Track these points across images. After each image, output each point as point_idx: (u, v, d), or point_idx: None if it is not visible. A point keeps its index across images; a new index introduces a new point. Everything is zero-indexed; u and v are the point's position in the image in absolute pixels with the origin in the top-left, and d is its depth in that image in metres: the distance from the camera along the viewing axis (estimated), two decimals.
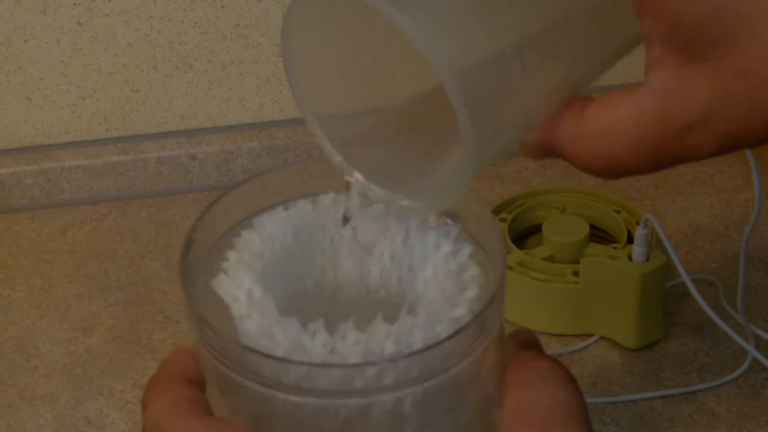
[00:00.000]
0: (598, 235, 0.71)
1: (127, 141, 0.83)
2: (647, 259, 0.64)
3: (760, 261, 0.72)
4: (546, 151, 0.34)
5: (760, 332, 0.65)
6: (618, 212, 0.70)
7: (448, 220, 0.34)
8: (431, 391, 0.30)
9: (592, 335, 0.66)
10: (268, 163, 0.84)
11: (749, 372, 0.63)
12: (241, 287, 0.32)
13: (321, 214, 0.36)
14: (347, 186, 0.34)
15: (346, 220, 0.34)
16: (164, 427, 0.31)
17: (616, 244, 0.67)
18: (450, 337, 0.29)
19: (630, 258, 0.64)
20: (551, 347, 0.66)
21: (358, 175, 0.32)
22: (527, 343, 0.33)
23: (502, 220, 0.71)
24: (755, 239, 0.74)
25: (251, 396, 0.30)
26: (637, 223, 0.66)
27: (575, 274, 0.66)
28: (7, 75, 0.80)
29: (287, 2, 0.86)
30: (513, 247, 0.68)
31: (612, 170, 0.32)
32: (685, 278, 0.64)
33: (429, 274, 0.33)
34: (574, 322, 0.66)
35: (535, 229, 0.72)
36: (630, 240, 0.66)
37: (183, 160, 0.83)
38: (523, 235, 0.72)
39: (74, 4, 0.77)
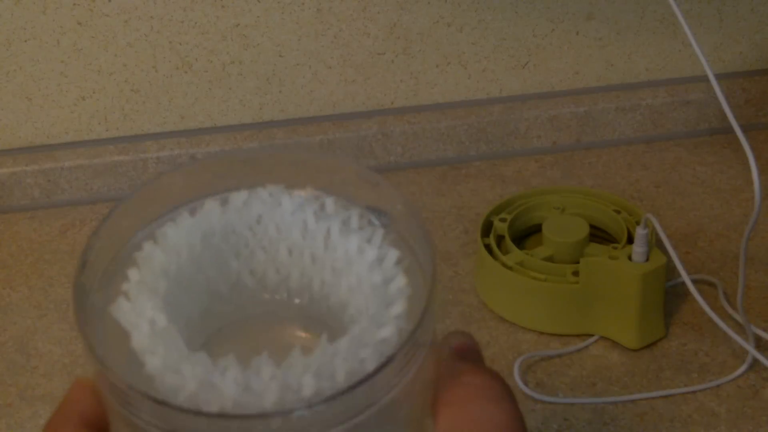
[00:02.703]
0: (598, 235, 0.71)
1: (127, 141, 0.83)
2: (647, 259, 0.64)
3: (760, 261, 0.72)
4: None
5: (760, 332, 0.65)
6: (618, 212, 0.70)
7: (374, 219, 0.31)
8: (359, 427, 0.27)
9: (592, 335, 0.66)
10: None
11: (749, 372, 0.63)
12: (142, 315, 0.28)
13: (232, 215, 0.32)
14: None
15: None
16: None
17: (616, 244, 0.67)
18: (376, 371, 0.26)
19: (630, 258, 0.64)
20: (551, 347, 0.66)
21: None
22: (463, 350, 0.31)
23: (502, 220, 0.70)
24: (755, 239, 0.74)
25: None
26: (637, 223, 0.66)
27: (575, 274, 0.66)
28: (7, 75, 0.80)
29: (287, 2, 0.87)
30: (513, 247, 0.68)
31: None
32: (685, 278, 0.64)
33: (353, 281, 0.30)
34: (574, 322, 0.66)
35: (535, 229, 0.72)
36: (630, 240, 0.66)
37: (183, 160, 0.83)
38: (523, 235, 0.72)
39: (74, 4, 0.77)
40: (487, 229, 0.71)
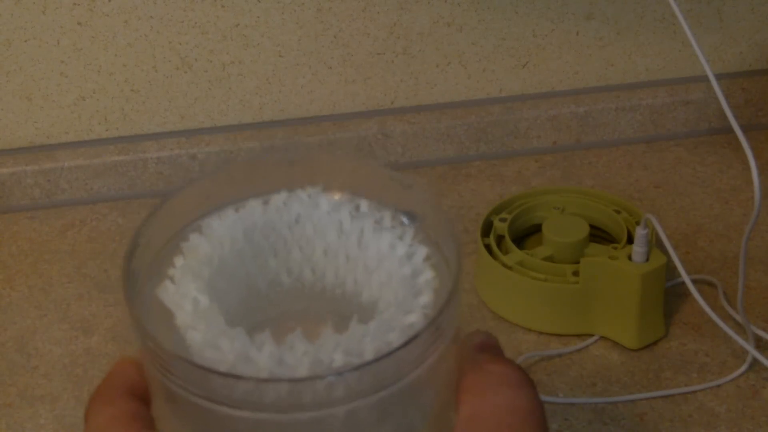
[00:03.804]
0: (598, 235, 0.71)
1: (127, 141, 0.83)
2: (647, 259, 0.64)
3: (760, 261, 0.72)
4: None
5: (760, 332, 0.65)
6: (618, 212, 0.70)
7: (405, 219, 0.33)
8: (385, 401, 0.29)
9: (592, 335, 0.66)
10: None
11: (749, 372, 0.63)
12: (186, 296, 0.31)
13: (273, 214, 0.34)
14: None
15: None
16: None
17: (616, 244, 0.67)
18: (402, 345, 0.28)
19: (630, 258, 0.64)
20: (551, 347, 0.66)
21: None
22: (485, 345, 0.32)
23: (502, 220, 0.70)
24: (755, 239, 0.74)
25: (198, 411, 0.29)
26: (637, 223, 0.66)
27: (575, 274, 0.66)
28: (7, 75, 0.80)
29: (287, 2, 0.87)
30: (513, 247, 0.68)
31: None
32: (685, 278, 0.64)
33: (383, 277, 0.32)
34: (574, 322, 0.66)
35: (535, 229, 0.72)
36: (630, 240, 0.66)
37: (183, 160, 0.83)
38: (523, 235, 0.72)
39: (74, 4, 0.77)
40: (487, 229, 0.71)
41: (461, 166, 0.85)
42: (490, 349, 0.32)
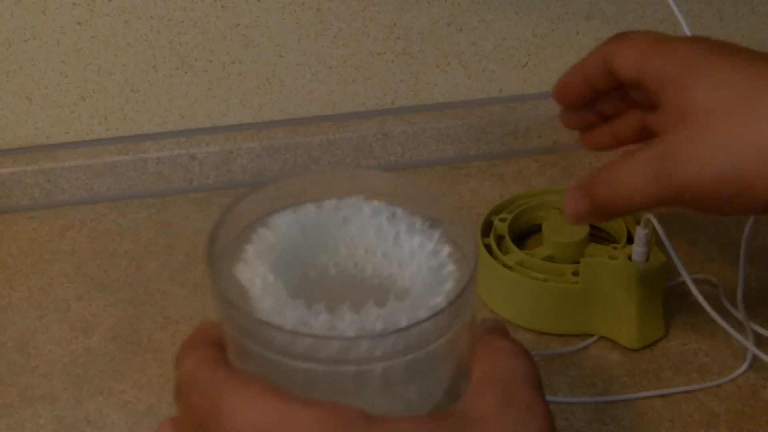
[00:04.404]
0: (598, 235, 0.71)
1: (127, 141, 0.83)
2: (647, 259, 0.64)
3: (760, 261, 0.72)
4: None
5: (760, 331, 0.65)
6: None
7: (432, 224, 0.41)
8: (412, 364, 0.36)
9: (592, 335, 0.66)
10: (268, 163, 0.84)
11: (749, 371, 0.63)
12: (257, 274, 0.38)
13: (325, 216, 0.42)
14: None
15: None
16: (193, 378, 0.37)
17: (615, 244, 0.67)
18: (427, 318, 0.36)
19: (630, 258, 0.64)
20: (551, 347, 0.66)
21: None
22: (494, 328, 0.40)
23: (502, 220, 0.71)
24: (755, 239, 0.74)
25: (266, 363, 0.36)
26: (637, 222, 0.66)
27: (575, 274, 0.66)
28: (7, 75, 0.80)
29: (287, 2, 0.87)
30: (513, 247, 0.68)
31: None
32: (686, 278, 0.64)
33: (414, 269, 0.40)
34: (574, 322, 0.66)
35: (535, 229, 0.72)
36: (630, 240, 0.66)
37: (183, 160, 0.83)
38: (523, 235, 0.72)
39: (74, 4, 0.77)
40: (486, 229, 0.71)
41: (461, 166, 0.85)
42: (498, 330, 0.40)
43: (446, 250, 0.40)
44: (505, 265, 0.67)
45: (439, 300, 0.37)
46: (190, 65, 0.81)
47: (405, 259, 0.41)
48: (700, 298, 0.64)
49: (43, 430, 0.62)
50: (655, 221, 0.63)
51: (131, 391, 0.64)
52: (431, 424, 0.35)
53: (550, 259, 0.67)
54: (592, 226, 0.69)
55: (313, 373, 0.36)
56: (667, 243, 0.64)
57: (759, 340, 0.65)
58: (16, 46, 0.79)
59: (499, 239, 0.70)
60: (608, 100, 0.59)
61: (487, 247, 0.69)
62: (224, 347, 0.38)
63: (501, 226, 0.70)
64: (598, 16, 0.84)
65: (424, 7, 0.81)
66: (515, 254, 0.68)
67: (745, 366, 0.63)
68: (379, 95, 0.85)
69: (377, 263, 0.42)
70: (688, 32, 0.63)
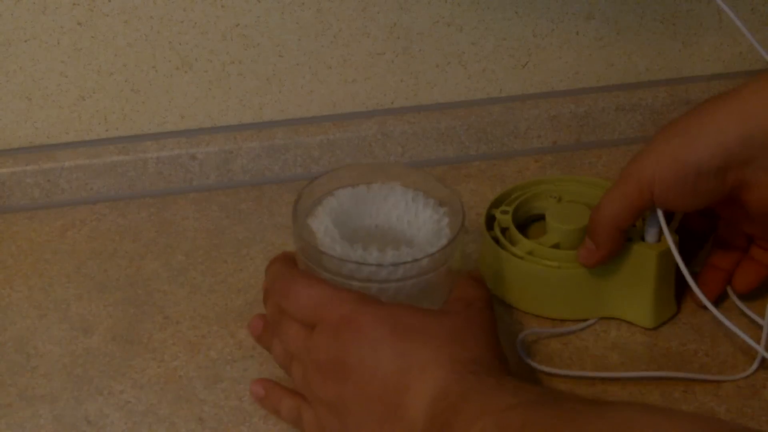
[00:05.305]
0: None
1: (127, 141, 0.83)
2: (659, 240, 0.65)
3: None
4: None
5: (761, 322, 0.65)
6: None
7: (439, 204, 0.63)
8: (414, 286, 0.58)
9: (604, 318, 0.68)
10: (268, 163, 0.84)
11: (757, 371, 0.63)
12: (322, 224, 0.61)
13: (371, 193, 0.64)
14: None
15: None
16: (278, 273, 0.59)
17: None
18: (427, 256, 0.58)
19: (643, 239, 0.65)
20: (559, 333, 0.66)
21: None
22: (471, 274, 0.61)
23: (504, 212, 0.71)
24: None
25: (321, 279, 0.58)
26: None
27: None
28: (7, 75, 0.80)
29: (287, 2, 0.86)
30: (521, 237, 0.69)
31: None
32: (687, 277, 0.64)
33: (424, 231, 0.62)
34: (589, 306, 0.67)
35: (534, 219, 0.73)
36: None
37: (183, 160, 0.83)
38: (523, 225, 0.73)
39: (74, 4, 0.77)
40: (489, 222, 0.71)
41: (461, 166, 0.85)
42: (470, 274, 0.61)
43: (446, 220, 0.62)
44: (516, 256, 0.67)
45: (435, 250, 0.59)
46: (190, 65, 0.81)
47: (419, 224, 0.63)
48: (701, 297, 0.64)
49: (43, 430, 0.62)
50: (658, 211, 0.64)
51: (131, 391, 0.64)
52: (421, 310, 0.55)
53: (557, 247, 0.68)
54: None
55: (351, 287, 0.57)
56: (669, 240, 0.64)
57: (760, 340, 0.64)
58: (16, 46, 0.79)
59: (502, 232, 0.71)
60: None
61: (495, 240, 0.69)
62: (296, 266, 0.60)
63: (504, 219, 0.71)
64: (598, 16, 0.84)
65: (424, 7, 0.81)
66: (524, 244, 0.68)
67: (755, 365, 0.63)
68: (379, 95, 0.85)
69: (402, 226, 0.63)
70: (741, 26, 0.66)
